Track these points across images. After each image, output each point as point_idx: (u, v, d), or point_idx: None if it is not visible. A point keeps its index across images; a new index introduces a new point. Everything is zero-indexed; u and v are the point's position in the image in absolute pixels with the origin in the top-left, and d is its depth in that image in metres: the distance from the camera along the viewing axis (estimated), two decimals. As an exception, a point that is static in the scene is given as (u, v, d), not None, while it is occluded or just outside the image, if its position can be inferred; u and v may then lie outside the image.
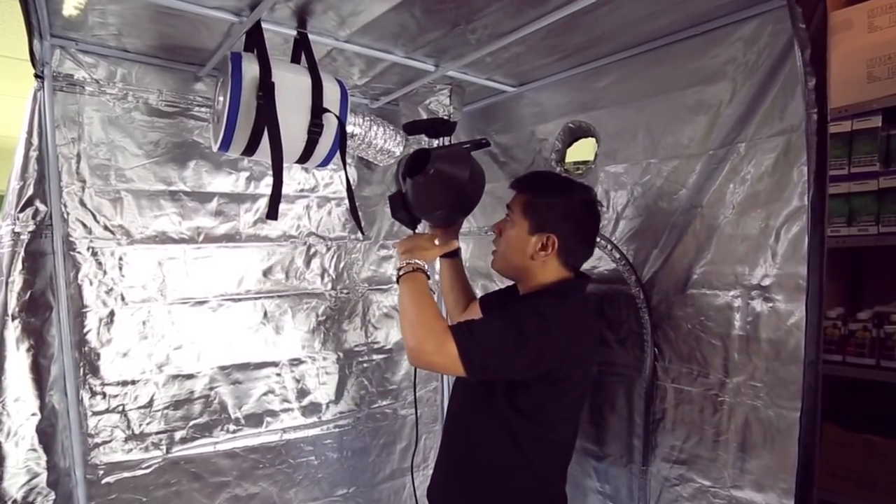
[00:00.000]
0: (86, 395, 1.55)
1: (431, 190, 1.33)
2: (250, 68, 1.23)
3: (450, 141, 1.63)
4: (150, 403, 1.65)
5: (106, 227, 1.57)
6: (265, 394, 1.87)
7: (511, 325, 1.14)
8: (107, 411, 1.58)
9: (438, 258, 1.68)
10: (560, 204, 1.29)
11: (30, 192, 1.41)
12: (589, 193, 1.35)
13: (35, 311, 1.43)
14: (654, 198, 1.49)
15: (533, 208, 1.29)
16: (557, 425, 1.30)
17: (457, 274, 1.67)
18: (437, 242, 1.35)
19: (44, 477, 1.43)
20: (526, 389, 1.22)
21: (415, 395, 1.66)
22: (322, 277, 2.00)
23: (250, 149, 1.28)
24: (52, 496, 1.44)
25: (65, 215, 1.50)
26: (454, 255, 1.64)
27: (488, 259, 2.05)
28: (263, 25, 1.29)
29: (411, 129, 1.56)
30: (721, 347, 1.35)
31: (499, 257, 1.37)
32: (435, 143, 1.57)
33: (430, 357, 1.12)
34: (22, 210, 1.40)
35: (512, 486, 1.29)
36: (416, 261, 1.26)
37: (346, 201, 1.39)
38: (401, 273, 1.26)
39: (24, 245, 1.40)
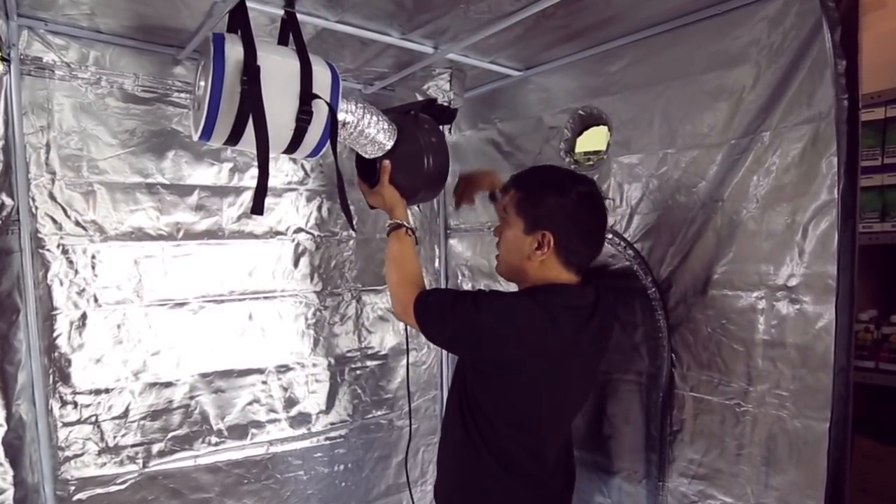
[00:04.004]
0: (56, 405, 1.55)
1: (396, 183, 1.47)
2: (234, 51, 1.23)
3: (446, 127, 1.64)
4: (125, 414, 1.65)
5: (77, 223, 1.58)
6: (250, 403, 1.88)
7: (455, 302, 1.30)
8: (78, 422, 1.58)
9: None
10: (555, 198, 1.29)
11: (-5, 184, 1.41)
12: (588, 186, 1.34)
13: (1, 314, 1.43)
14: (672, 191, 1.49)
15: (527, 205, 1.31)
16: (495, 423, 1.30)
17: None
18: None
19: (10, 493, 1.43)
20: (470, 378, 1.33)
21: (409, 397, 1.66)
22: (311, 277, 2.00)
23: (234, 138, 1.28)
24: (20, 514, 1.44)
25: (33, 210, 1.50)
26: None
27: (491, 258, 2.07)
28: (248, 4, 1.29)
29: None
30: (744, 353, 1.35)
31: (500, 260, 1.42)
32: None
33: (401, 316, 1.39)
34: (-14, 204, 1.40)
35: (476, 486, 1.35)
36: (399, 220, 1.45)
37: (337, 195, 1.39)
38: (389, 229, 1.46)
39: (-11, 242, 1.41)
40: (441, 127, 1.63)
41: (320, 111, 1.33)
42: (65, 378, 1.56)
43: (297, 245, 1.97)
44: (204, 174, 1.78)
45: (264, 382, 1.90)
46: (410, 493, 1.76)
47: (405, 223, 1.45)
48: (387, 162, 1.47)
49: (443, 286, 2.30)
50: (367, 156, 1.51)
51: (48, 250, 1.53)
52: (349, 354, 2.09)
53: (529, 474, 1.35)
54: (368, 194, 1.55)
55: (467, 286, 2.24)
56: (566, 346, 1.29)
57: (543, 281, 1.31)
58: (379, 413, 2.16)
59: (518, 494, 1.34)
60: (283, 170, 1.93)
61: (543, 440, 1.35)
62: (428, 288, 1.39)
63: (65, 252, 1.56)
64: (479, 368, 1.32)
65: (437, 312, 1.31)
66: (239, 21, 1.27)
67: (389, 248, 1.45)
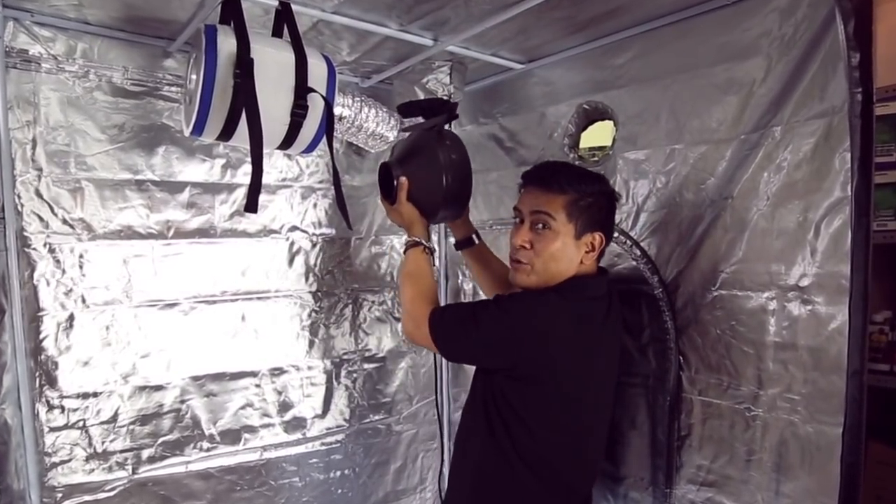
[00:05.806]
0: (42, 409, 1.55)
1: (415, 201, 1.45)
2: (226, 43, 1.23)
3: (450, 126, 1.63)
4: (114, 418, 1.65)
5: (65, 221, 1.58)
6: (243, 407, 1.88)
7: (476, 310, 1.29)
8: (66, 427, 1.58)
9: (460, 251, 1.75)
10: (601, 197, 1.32)
11: (-21, 181, 1.41)
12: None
13: (-15, 315, 1.43)
14: (679, 188, 1.49)
15: (579, 209, 1.29)
16: (535, 429, 1.30)
17: (480, 260, 1.70)
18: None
19: (-4, 500, 1.44)
20: (501, 385, 1.30)
21: (437, 404, 1.64)
22: (306, 277, 2.00)
23: (226, 133, 1.28)
24: (5, 522, 1.45)
25: (19, 207, 1.50)
26: (469, 244, 1.67)
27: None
28: (241, -6, 1.29)
29: (407, 110, 1.56)
30: (754, 355, 1.35)
31: (536, 271, 1.32)
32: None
33: (412, 335, 1.36)
34: (-30, 201, 1.40)
35: (494, 490, 1.34)
36: (416, 238, 1.43)
37: (333, 192, 1.39)
38: (406, 247, 1.46)
39: (-27, 241, 1.40)
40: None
41: (316, 105, 1.33)
42: (51, 381, 1.56)
43: (292, 244, 1.97)
44: (195, 171, 1.77)
45: (258, 386, 1.90)
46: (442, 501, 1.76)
47: (423, 241, 1.43)
48: (404, 179, 1.46)
49: (443, 286, 2.30)
50: (370, 150, 1.52)
51: (34, 249, 1.53)
52: (346, 357, 2.09)
53: (563, 481, 1.35)
54: (389, 211, 1.54)
55: (467, 286, 2.24)
56: (596, 338, 1.33)
57: (570, 277, 1.32)
58: (377, 417, 2.16)
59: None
60: (277, 166, 1.93)
61: (584, 441, 1.37)
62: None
63: (51, 251, 1.56)
64: (513, 374, 1.28)
65: (456, 326, 1.29)
66: (231, 12, 1.27)
67: (404, 265, 1.46)
